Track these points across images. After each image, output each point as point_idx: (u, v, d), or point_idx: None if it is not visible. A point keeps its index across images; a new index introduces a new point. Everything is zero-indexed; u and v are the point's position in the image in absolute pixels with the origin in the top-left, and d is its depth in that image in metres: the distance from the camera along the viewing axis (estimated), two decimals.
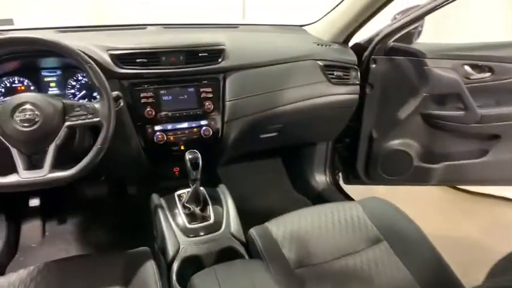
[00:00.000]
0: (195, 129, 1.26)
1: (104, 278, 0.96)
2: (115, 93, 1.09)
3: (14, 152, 0.90)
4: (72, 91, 1.22)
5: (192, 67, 1.24)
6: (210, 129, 1.27)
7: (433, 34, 1.69)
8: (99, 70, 0.97)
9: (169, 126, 1.24)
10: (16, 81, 1.16)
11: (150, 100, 1.20)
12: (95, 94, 1.24)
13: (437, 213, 2.20)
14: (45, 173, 0.89)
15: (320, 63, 1.47)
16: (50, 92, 1.20)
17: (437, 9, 1.32)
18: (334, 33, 1.57)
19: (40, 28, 1.40)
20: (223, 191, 1.29)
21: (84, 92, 1.23)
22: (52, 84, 1.20)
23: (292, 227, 1.15)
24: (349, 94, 1.52)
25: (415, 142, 1.73)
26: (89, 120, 0.95)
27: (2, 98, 1.14)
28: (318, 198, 1.91)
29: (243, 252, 1.10)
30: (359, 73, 1.55)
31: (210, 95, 1.27)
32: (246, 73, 1.33)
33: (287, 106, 1.40)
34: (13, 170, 0.90)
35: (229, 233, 1.12)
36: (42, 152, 0.92)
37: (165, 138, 1.22)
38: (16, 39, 0.91)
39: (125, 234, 1.68)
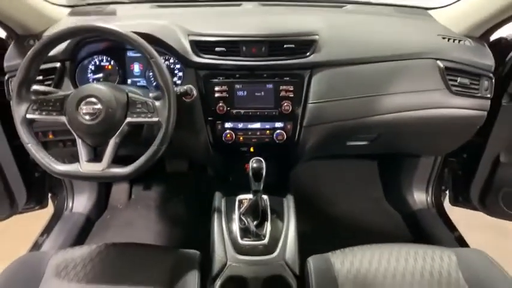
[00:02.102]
0: (267, 132, 1.13)
1: (152, 273, 0.97)
2: (184, 87, 1.03)
3: (79, 142, 0.92)
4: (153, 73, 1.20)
5: (274, 60, 1.08)
6: (284, 134, 1.12)
7: None
8: (164, 66, 0.90)
9: (240, 125, 1.13)
10: (104, 60, 1.19)
11: (224, 94, 1.10)
12: (174, 79, 1.19)
13: None
14: (102, 168, 0.89)
15: (440, 64, 1.13)
16: (133, 73, 1.20)
17: None
18: (470, 24, 1.18)
19: (137, 2, 1.40)
20: (289, 204, 1.14)
21: None
22: (135, 65, 1.20)
23: (360, 266, 0.96)
24: (474, 109, 1.15)
25: None
26: (148, 119, 0.91)
27: (91, 74, 1.19)
28: (411, 217, 1.62)
29: (294, 285, 0.97)
30: (493, 83, 1.16)
31: (291, 95, 1.10)
32: (339, 71, 1.11)
33: (386, 116, 1.14)
34: (78, 159, 0.92)
35: (283, 260, 0.99)
36: (105, 144, 0.91)
37: (234, 138, 1.12)
38: (87, 28, 0.89)
39: (198, 213, 1.71)
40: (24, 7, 1.08)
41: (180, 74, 1.17)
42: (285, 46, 1.07)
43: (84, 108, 0.89)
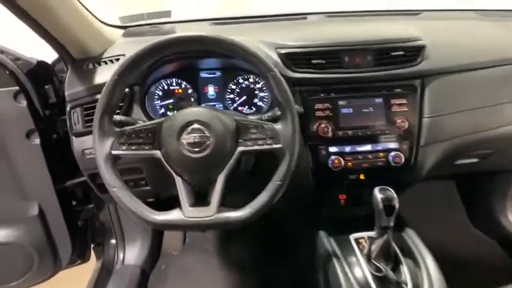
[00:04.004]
0: (380, 154, 0.95)
1: None
2: (297, 107, 0.85)
3: (178, 181, 0.72)
4: (232, 96, 1.04)
5: (381, 70, 0.94)
6: (402, 156, 0.94)
7: None
8: (283, 81, 0.73)
9: (348, 149, 0.95)
10: (174, 83, 1.03)
11: (326, 113, 0.94)
12: (255, 101, 1.04)
13: None
14: (212, 213, 0.70)
15: None
16: (208, 96, 1.03)
17: None
18: None
19: (196, 20, 1.25)
20: (413, 239, 0.95)
21: (244, 98, 1.04)
22: (210, 88, 1.04)
23: None
24: None
25: None
26: (268, 147, 0.72)
27: (159, 101, 1.02)
28: (509, 243, 1.43)
29: None
30: None
31: (404, 109, 0.94)
32: (452, 79, 0.98)
33: (507, 127, 0.99)
34: (176, 203, 0.72)
35: None
36: (211, 182, 0.72)
37: (343, 164, 0.94)
38: (192, 38, 0.72)
39: (266, 255, 1.48)
40: (85, 29, 0.92)
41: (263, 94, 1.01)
42: (392, 54, 0.93)
43: (187, 138, 0.70)
